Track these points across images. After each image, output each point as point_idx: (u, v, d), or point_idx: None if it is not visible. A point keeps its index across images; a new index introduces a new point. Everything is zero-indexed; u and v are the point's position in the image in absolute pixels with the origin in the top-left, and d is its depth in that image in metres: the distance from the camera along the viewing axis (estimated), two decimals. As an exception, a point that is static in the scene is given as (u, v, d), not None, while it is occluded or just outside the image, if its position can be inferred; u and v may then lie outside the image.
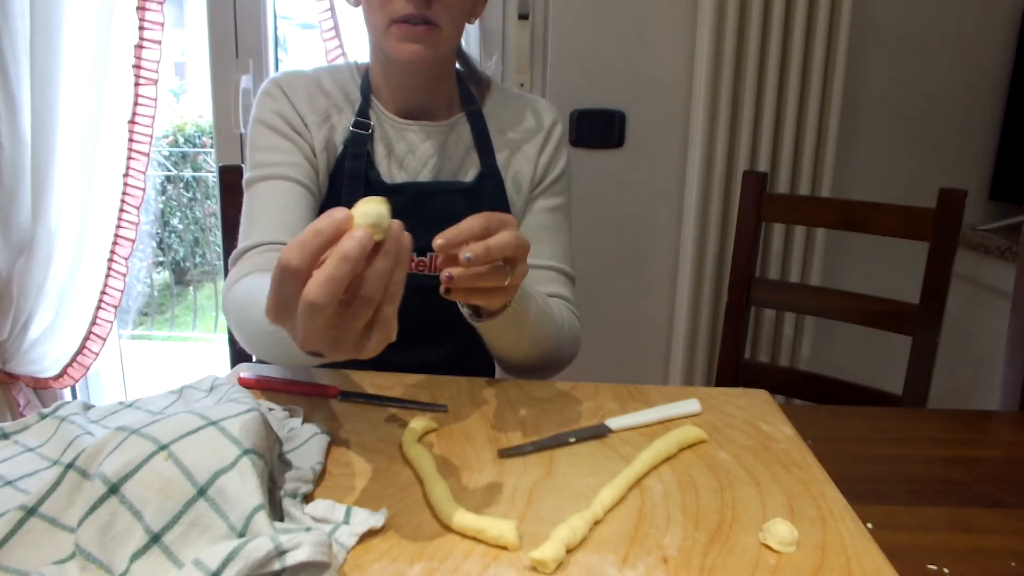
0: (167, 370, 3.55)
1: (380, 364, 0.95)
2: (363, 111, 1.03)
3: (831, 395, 1.41)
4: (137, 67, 1.72)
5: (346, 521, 0.59)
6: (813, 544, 0.60)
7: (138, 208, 1.83)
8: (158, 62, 1.73)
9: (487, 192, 1.06)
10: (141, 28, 1.70)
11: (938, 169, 1.89)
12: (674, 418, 0.83)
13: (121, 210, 1.82)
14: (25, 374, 1.90)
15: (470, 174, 1.07)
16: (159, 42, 1.72)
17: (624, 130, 1.83)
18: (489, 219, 0.72)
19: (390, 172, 1.04)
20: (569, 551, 0.57)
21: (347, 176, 1.01)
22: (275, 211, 0.97)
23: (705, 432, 0.78)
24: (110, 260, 1.86)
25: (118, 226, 1.83)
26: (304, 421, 0.78)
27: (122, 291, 1.89)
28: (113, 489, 0.54)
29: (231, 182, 1.29)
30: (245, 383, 0.85)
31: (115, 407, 0.77)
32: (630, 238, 1.89)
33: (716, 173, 1.76)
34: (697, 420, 0.83)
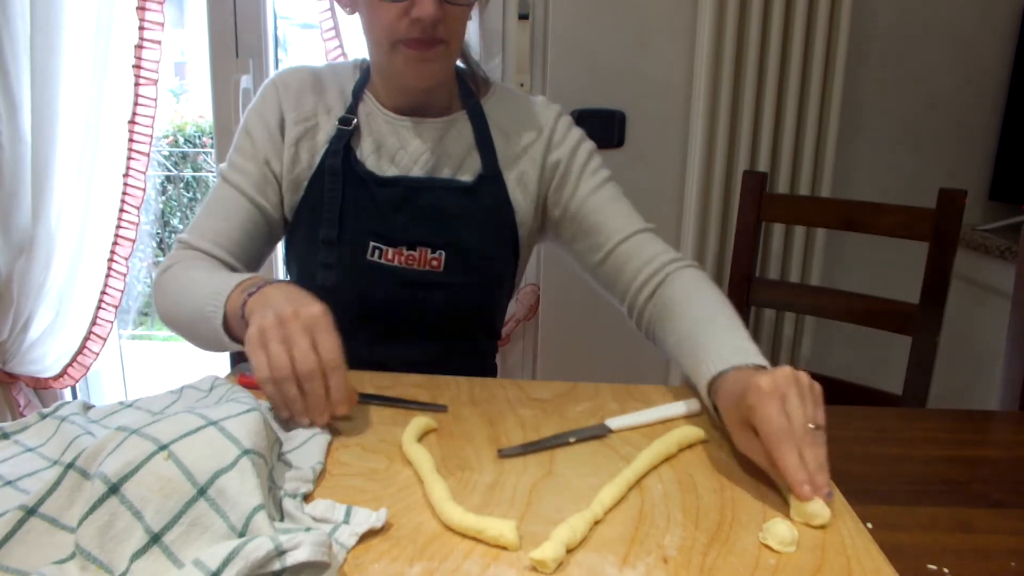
0: (167, 370, 3.54)
1: (378, 360, 0.95)
2: (352, 108, 1.04)
3: (831, 395, 1.38)
4: (137, 67, 1.72)
5: (346, 521, 0.59)
6: (813, 544, 0.60)
7: (138, 208, 1.83)
8: (158, 62, 1.73)
9: (487, 193, 1.05)
10: (141, 28, 1.70)
11: (938, 169, 1.89)
12: (674, 418, 0.83)
13: (121, 210, 1.82)
14: (25, 374, 1.90)
15: (470, 173, 1.06)
16: (159, 42, 1.72)
17: (624, 130, 1.83)
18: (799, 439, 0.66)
19: (379, 166, 1.04)
20: (569, 551, 0.57)
21: (327, 172, 1.02)
22: (221, 219, 1.02)
23: (705, 432, 0.78)
24: (110, 260, 1.86)
25: (118, 226, 1.83)
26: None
27: (122, 291, 1.89)
28: (113, 489, 0.54)
29: (231, 182, 1.29)
30: (245, 383, 0.85)
31: (115, 407, 0.77)
32: (630, 238, 1.89)
33: (716, 173, 1.76)
34: (697, 420, 0.83)
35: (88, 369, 1.95)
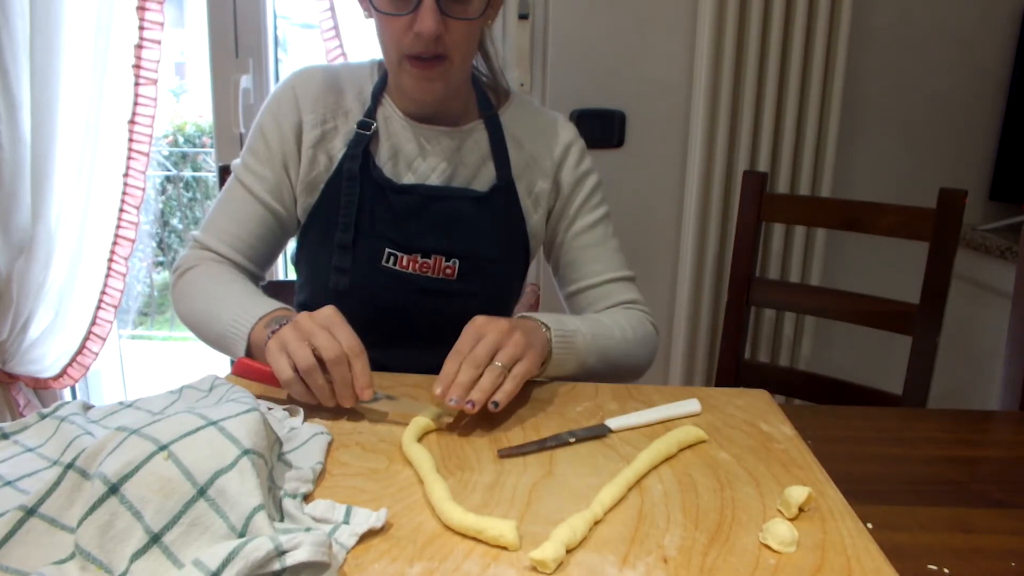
0: (167, 370, 3.54)
1: (387, 366, 0.95)
2: (371, 112, 1.04)
3: (831, 395, 1.41)
4: (137, 67, 1.72)
5: (346, 521, 0.59)
6: (813, 544, 0.60)
7: (138, 208, 1.83)
8: (158, 62, 1.73)
9: (501, 204, 1.06)
10: (141, 28, 1.70)
11: (938, 169, 1.89)
12: (674, 418, 0.83)
13: (121, 210, 1.82)
14: (25, 374, 1.90)
15: (484, 183, 1.06)
16: (159, 42, 1.72)
17: (624, 130, 1.83)
18: (470, 356, 0.80)
19: (396, 172, 1.04)
20: (569, 551, 0.57)
21: (345, 176, 1.02)
22: (234, 222, 1.04)
23: (705, 432, 0.78)
24: (110, 260, 1.86)
25: (118, 226, 1.83)
26: (304, 421, 0.78)
27: (122, 291, 1.89)
28: (113, 489, 0.54)
29: (231, 182, 1.29)
30: (245, 371, 0.85)
31: (115, 407, 0.77)
32: (630, 238, 1.89)
33: (716, 173, 1.76)
34: (697, 420, 0.83)
35: (88, 369, 1.95)
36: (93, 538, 0.53)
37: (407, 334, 1.04)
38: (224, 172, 1.31)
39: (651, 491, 0.67)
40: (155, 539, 0.53)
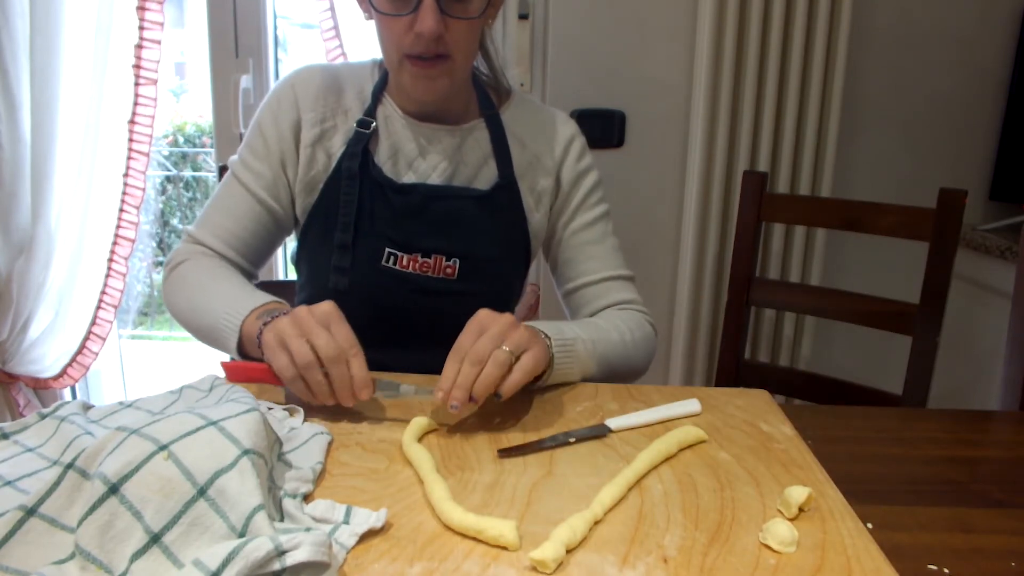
0: (167, 370, 3.55)
1: (387, 365, 0.95)
2: (371, 111, 1.03)
3: (831, 395, 1.41)
4: (137, 67, 1.72)
5: (346, 521, 0.59)
6: (813, 544, 0.60)
7: (138, 208, 1.83)
8: (158, 62, 1.73)
9: (503, 203, 1.06)
10: (141, 28, 1.70)
11: (938, 169, 1.89)
12: (674, 418, 0.83)
13: (121, 210, 1.82)
14: (25, 374, 1.89)
15: (486, 182, 1.06)
16: (159, 42, 1.72)
17: (624, 130, 1.83)
18: (471, 351, 0.77)
19: (396, 171, 1.04)
20: (569, 551, 0.57)
21: (344, 175, 1.01)
22: (229, 218, 1.04)
23: (705, 432, 0.78)
24: (110, 260, 1.86)
25: (118, 226, 1.83)
26: (304, 421, 0.78)
27: (122, 291, 1.89)
28: (113, 489, 0.53)
29: (231, 182, 1.28)
30: (236, 375, 0.84)
31: (115, 407, 0.77)
32: (630, 238, 1.88)
33: (716, 173, 1.76)
34: (697, 420, 0.83)
35: (88, 369, 1.95)
36: (93, 538, 0.53)
37: (407, 334, 1.04)
38: (224, 172, 1.31)
39: (651, 491, 0.67)
40: (155, 539, 0.53)
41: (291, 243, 1.15)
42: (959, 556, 0.63)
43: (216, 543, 0.53)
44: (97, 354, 1.93)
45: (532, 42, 1.82)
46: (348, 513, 0.60)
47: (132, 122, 1.76)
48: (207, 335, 0.94)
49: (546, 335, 0.87)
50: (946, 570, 0.61)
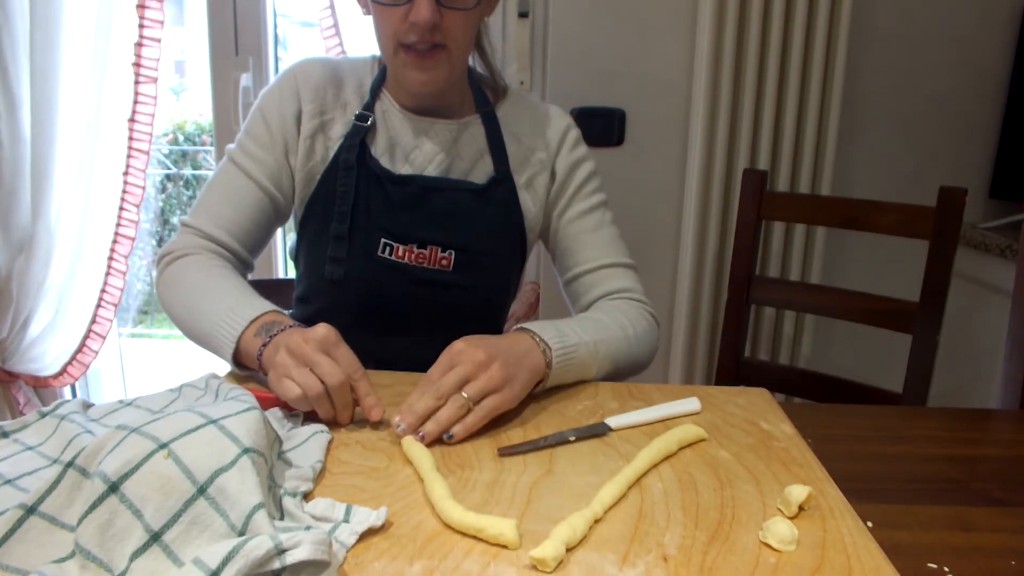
0: (167, 368, 3.55)
1: (382, 355, 0.95)
2: (369, 105, 1.04)
3: (831, 393, 1.41)
4: (137, 65, 1.72)
5: (346, 520, 0.59)
6: (813, 543, 0.60)
7: (138, 206, 1.83)
8: (158, 60, 1.73)
9: (498, 196, 1.06)
10: (141, 26, 1.69)
11: (938, 168, 1.89)
12: (674, 416, 0.83)
13: (121, 208, 1.82)
14: (25, 372, 1.89)
15: (482, 176, 1.07)
16: (159, 40, 1.71)
17: (624, 128, 1.83)
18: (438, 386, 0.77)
19: (393, 163, 1.04)
20: (569, 550, 0.57)
21: (341, 167, 1.02)
22: (230, 206, 1.03)
23: (705, 431, 0.78)
24: (110, 258, 1.86)
25: (118, 224, 1.83)
26: (304, 420, 0.78)
27: (122, 289, 1.89)
28: (113, 488, 0.53)
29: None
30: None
31: (115, 405, 0.77)
32: (630, 236, 1.86)
33: (716, 171, 1.76)
34: (697, 419, 0.83)
35: (88, 367, 1.95)
36: (93, 537, 0.53)
37: (402, 324, 1.04)
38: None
39: (651, 490, 0.67)
40: (155, 538, 0.53)
41: (290, 239, 1.14)
42: (959, 555, 0.63)
43: (216, 542, 0.53)
44: (97, 352, 1.93)
45: (532, 40, 1.82)
46: (348, 511, 0.60)
47: (132, 120, 1.76)
48: (201, 340, 0.93)
49: (546, 344, 0.86)
50: (946, 569, 0.61)
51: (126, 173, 1.80)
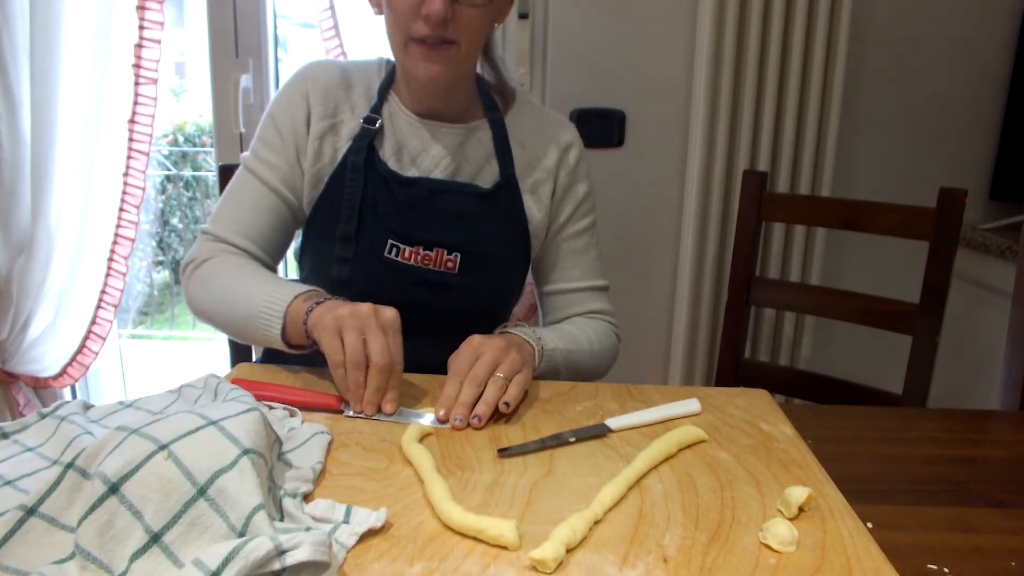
0: (167, 370, 3.54)
1: None
2: (376, 108, 1.05)
3: (831, 395, 1.41)
4: (137, 66, 1.72)
5: (346, 521, 0.59)
6: (813, 544, 0.60)
7: (138, 207, 1.83)
8: (158, 61, 1.73)
9: (503, 201, 1.07)
10: (141, 27, 1.70)
11: (938, 169, 1.89)
12: (674, 418, 0.83)
13: (121, 209, 1.82)
14: (25, 373, 1.89)
15: (488, 180, 1.07)
16: (159, 41, 1.72)
17: (624, 129, 1.83)
18: (469, 376, 0.83)
19: (400, 166, 1.05)
20: (569, 551, 0.57)
21: (349, 168, 1.02)
22: (248, 212, 1.04)
23: (705, 432, 0.78)
24: (110, 259, 1.86)
25: (118, 225, 1.83)
26: (304, 420, 0.78)
27: (122, 290, 1.89)
28: (113, 489, 0.54)
29: (231, 181, 1.28)
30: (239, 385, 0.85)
31: (115, 407, 0.77)
32: (630, 237, 1.89)
33: (716, 172, 1.76)
34: (697, 420, 0.83)
35: (88, 368, 1.95)
36: (93, 538, 0.53)
37: (407, 325, 1.04)
38: (224, 171, 1.31)
39: (651, 491, 0.67)
40: (155, 539, 0.53)
41: (294, 240, 1.15)
42: (959, 556, 0.63)
43: (216, 543, 0.53)
44: (97, 354, 1.93)
45: (532, 41, 1.82)
46: (348, 513, 0.60)
47: (132, 121, 1.76)
48: (242, 327, 0.94)
49: (533, 342, 0.95)
50: (946, 570, 0.61)
51: (126, 174, 1.80)
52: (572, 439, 0.76)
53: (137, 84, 1.73)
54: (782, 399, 1.57)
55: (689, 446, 0.76)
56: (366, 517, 0.59)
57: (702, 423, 0.81)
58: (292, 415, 0.79)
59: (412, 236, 1.02)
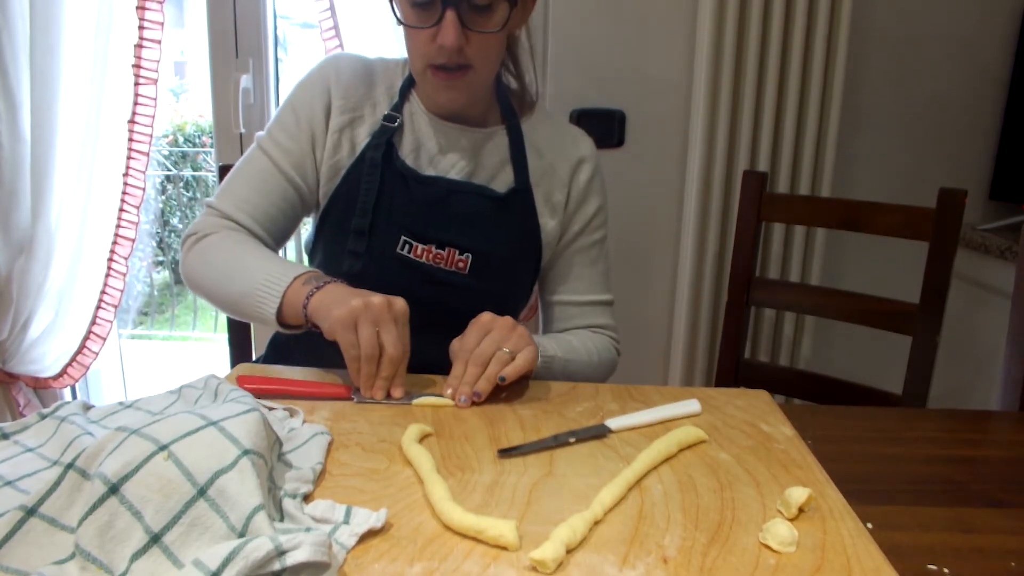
0: (167, 370, 3.54)
1: None
2: (398, 107, 1.06)
3: (831, 395, 1.41)
4: (137, 66, 1.72)
5: (346, 521, 0.59)
6: (813, 544, 0.60)
7: (138, 207, 1.83)
8: (158, 61, 1.73)
9: (517, 207, 1.08)
10: (141, 27, 1.70)
11: (938, 169, 1.89)
12: (674, 418, 0.83)
13: (121, 209, 1.82)
14: (25, 374, 1.90)
15: (503, 185, 1.08)
16: (159, 41, 1.72)
17: (624, 130, 1.83)
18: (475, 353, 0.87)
19: (418, 165, 1.06)
20: (569, 551, 0.57)
21: (367, 164, 1.03)
22: (256, 192, 1.04)
23: (705, 432, 0.78)
24: (110, 260, 1.86)
25: (118, 225, 1.83)
26: (304, 421, 0.78)
27: (122, 291, 1.89)
28: (113, 489, 0.54)
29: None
30: (245, 382, 0.85)
31: (115, 407, 0.77)
32: (630, 237, 1.89)
33: (716, 173, 1.76)
34: (697, 420, 0.83)
35: (88, 369, 1.95)
36: (93, 538, 0.53)
37: (415, 322, 1.05)
38: (224, 171, 1.31)
39: (651, 491, 0.67)
40: (155, 539, 0.53)
41: (305, 232, 1.15)
42: (959, 556, 0.63)
43: (216, 543, 0.53)
44: (97, 354, 1.93)
45: (532, 42, 1.81)
46: (348, 513, 0.60)
47: (132, 122, 1.76)
48: (238, 303, 0.94)
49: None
50: (946, 570, 0.61)
51: (126, 174, 1.80)
52: (572, 440, 0.76)
53: (137, 84, 1.73)
54: (782, 399, 1.57)
55: (689, 447, 0.76)
56: (366, 518, 0.59)
57: (702, 424, 0.81)
58: (292, 415, 0.79)
59: (426, 234, 1.03)
